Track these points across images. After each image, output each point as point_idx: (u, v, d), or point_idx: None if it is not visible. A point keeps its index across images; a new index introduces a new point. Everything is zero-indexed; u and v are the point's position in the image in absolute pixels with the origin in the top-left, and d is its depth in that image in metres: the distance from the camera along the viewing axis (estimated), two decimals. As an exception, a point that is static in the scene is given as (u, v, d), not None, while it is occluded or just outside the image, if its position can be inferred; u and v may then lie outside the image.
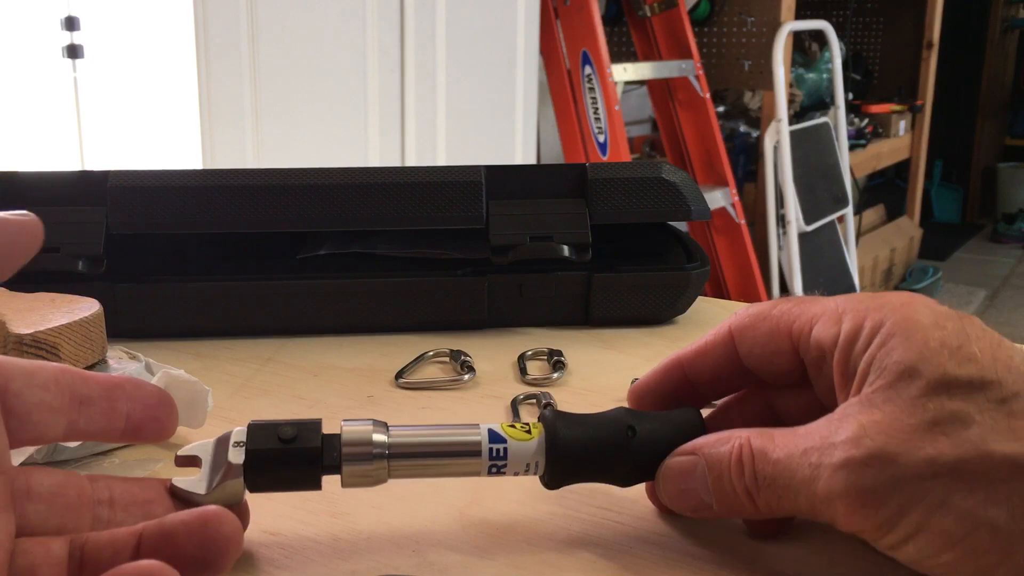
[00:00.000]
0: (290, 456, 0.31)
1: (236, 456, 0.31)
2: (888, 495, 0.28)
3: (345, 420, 0.33)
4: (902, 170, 4.39)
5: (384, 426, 0.33)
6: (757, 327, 0.35)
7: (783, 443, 0.31)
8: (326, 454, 0.32)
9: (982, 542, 0.28)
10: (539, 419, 0.35)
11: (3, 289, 0.51)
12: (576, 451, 0.34)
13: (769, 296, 2.83)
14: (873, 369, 0.30)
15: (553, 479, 0.35)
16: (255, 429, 0.32)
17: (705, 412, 0.37)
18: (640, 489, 0.39)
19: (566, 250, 0.57)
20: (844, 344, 0.32)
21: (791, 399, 0.36)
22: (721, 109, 3.30)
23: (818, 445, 0.30)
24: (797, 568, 0.34)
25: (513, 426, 0.34)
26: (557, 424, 0.34)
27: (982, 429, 0.28)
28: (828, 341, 0.32)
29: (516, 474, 0.34)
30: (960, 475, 0.27)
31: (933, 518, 0.28)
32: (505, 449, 0.33)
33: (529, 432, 0.34)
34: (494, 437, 0.34)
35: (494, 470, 0.34)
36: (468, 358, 0.53)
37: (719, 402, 0.39)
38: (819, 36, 3.37)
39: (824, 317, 0.33)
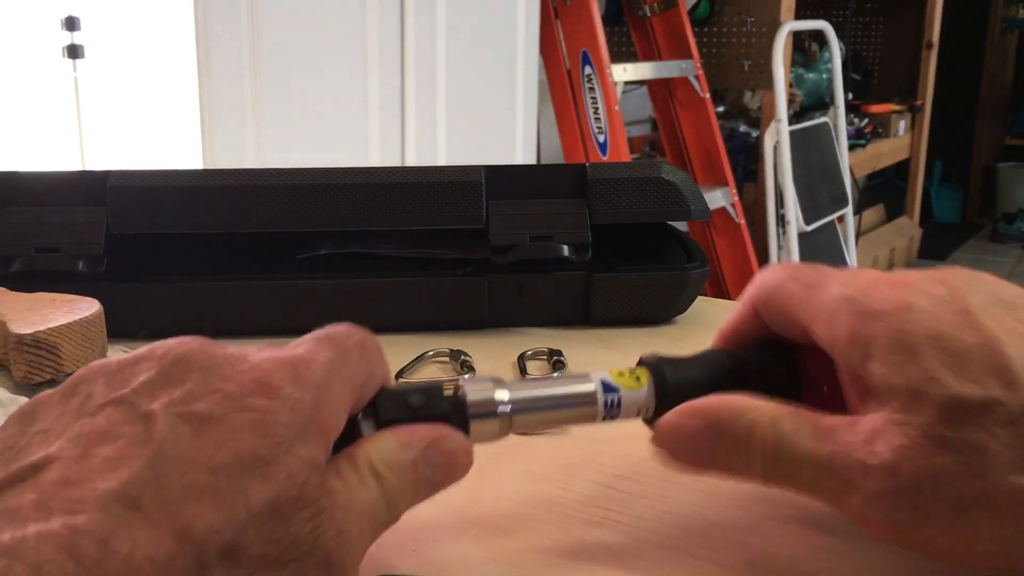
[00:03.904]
0: (420, 422, 0.32)
1: (368, 429, 0.31)
2: (923, 526, 0.29)
3: (464, 379, 0.34)
4: (902, 170, 4.39)
5: (503, 382, 0.34)
6: (773, 306, 0.35)
7: (807, 433, 0.31)
8: (453, 416, 0.33)
9: (1018, 557, 0.29)
10: (640, 363, 0.36)
11: (3, 289, 0.51)
12: (684, 393, 0.34)
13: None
14: (882, 387, 0.30)
15: None
16: (385, 399, 0.32)
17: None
18: (640, 489, 0.39)
19: (566, 250, 0.57)
20: (844, 353, 0.31)
21: None
22: (721, 109, 3.30)
23: (844, 455, 0.30)
24: (798, 568, 0.34)
25: (621, 374, 0.35)
26: (664, 369, 0.35)
27: (1000, 460, 0.28)
28: (828, 344, 0.32)
29: (627, 418, 0.35)
30: (988, 507, 0.28)
31: (968, 543, 0.29)
32: (619, 398, 0.34)
33: (638, 379, 0.35)
34: (607, 387, 0.35)
35: (608, 417, 0.35)
36: (468, 358, 0.53)
37: None
38: (819, 36, 3.37)
39: (823, 315, 0.32)
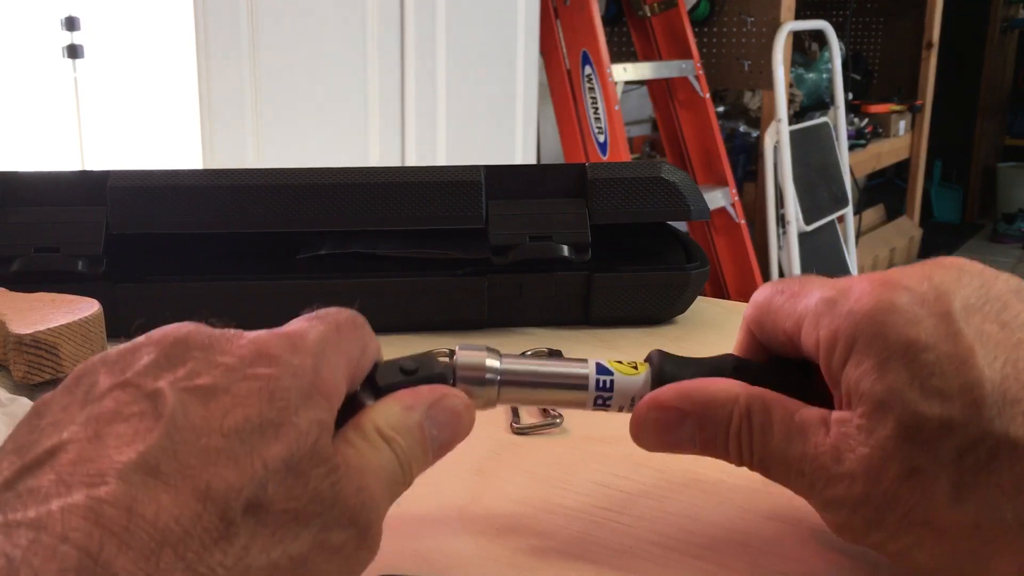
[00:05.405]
0: (416, 385, 0.32)
1: (368, 399, 0.32)
2: (873, 532, 0.30)
3: (461, 345, 0.34)
4: (902, 170, 4.39)
5: (497, 353, 0.34)
6: (763, 324, 0.35)
7: (780, 430, 0.32)
8: (447, 379, 0.33)
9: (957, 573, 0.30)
10: (646, 359, 0.35)
11: (3, 289, 0.51)
12: None
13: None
14: (853, 392, 0.30)
15: None
16: (380, 368, 0.33)
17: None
18: (640, 489, 0.39)
19: (566, 250, 0.57)
20: (823, 354, 0.32)
21: None
22: (721, 109, 3.30)
23: (812, 459, 0.31)
24: (798, 568, 0.34)
25: (620, 362, 0.35)
26: (664, 363, 0.35)
27: (944, 488, 0.28)
28: (811, 348, 0.32)
29: (620, 408, 0.34)
30: (931, 527, 0.29)
31: (913, 552, 0.30)
32: (611, 381, 0.34)
33: (636, 368, 0.34)
34: (601, 370, 0.34)
35: (599, 402, 0.34)
36: (468, 358, 0.53)
37: None
38: (819, 36, 3.37)
39: (807, 320, 0.32)
